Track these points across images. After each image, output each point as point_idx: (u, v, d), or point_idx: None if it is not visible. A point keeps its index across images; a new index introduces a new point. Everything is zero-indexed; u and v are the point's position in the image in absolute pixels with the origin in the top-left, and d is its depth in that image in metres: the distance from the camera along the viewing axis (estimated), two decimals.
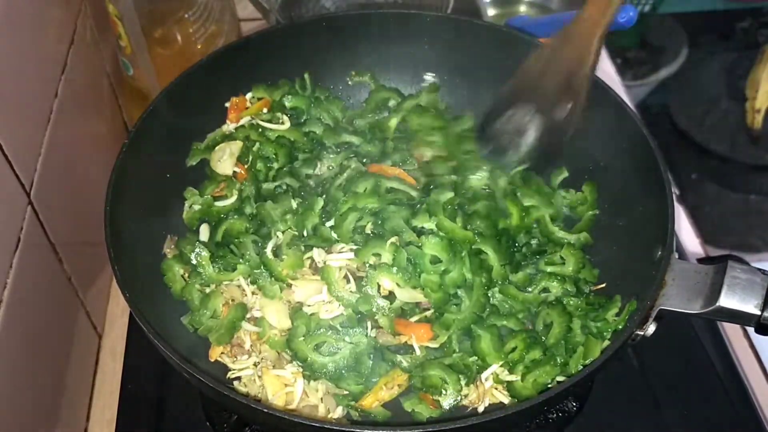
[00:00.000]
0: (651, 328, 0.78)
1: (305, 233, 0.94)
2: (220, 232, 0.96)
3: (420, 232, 0.90)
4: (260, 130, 1.03)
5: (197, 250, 0.92)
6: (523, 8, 1.53)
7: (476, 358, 0.86)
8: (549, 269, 0.93)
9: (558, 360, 0.85)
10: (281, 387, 0.85)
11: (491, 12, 1.50)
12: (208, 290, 0.92)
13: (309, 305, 0.89)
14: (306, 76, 1.09)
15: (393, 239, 0.89)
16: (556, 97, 0.90)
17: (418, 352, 0.88)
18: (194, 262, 0.92)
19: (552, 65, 0.92)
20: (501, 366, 0.86)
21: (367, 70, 1.13)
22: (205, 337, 0.90)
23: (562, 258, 0.94)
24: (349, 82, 1.13)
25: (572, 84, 0.89)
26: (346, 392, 0.86)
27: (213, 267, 0.92)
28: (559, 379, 0.84)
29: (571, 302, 0.90)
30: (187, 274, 0.93)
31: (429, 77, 1.12)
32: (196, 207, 0.99)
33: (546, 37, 1.25)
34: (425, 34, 1.08)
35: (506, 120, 0.92)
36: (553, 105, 0.90)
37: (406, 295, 0.88)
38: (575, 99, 0.89)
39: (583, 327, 0.87)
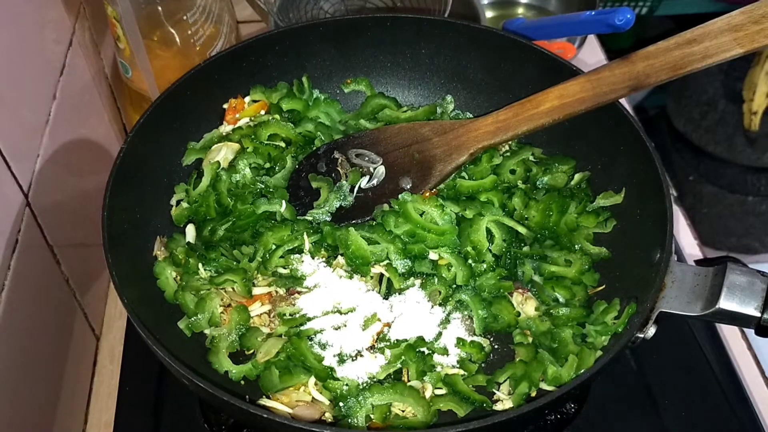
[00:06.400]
0: (651, 331, 0.78)
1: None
2: (207, 231, 0.96)
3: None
4: (252, 136, 1.03)
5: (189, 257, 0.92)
6: (520, 10, 1.53)
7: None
8: (552, 269, 0.93)
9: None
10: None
11: (489, 14, 1.50)
12: (202, 293, 0.90)
13: None
14: (304, 79, 1.09)
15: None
16: (408, 167, 0.98)
17: None
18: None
19: (427, 143, 0.99)
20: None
21: (364, 77, 1.12)
22: (204, 339, 0.90)
23: (566, 261, 0.94)
24: (345, 90, 1.13)
25: (430, 167, 0.97)
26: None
27: (205, 270, 0.92)
28: (549, 388, 0.84)
29: (561, 312, 0.90)
30: (179, 277, 0.92)
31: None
32: (185, 204, 0.99)
33: (543, 40, 1.26)
34: (423, 38, 1.09)
35: (355, 154, 1.01)
36: (401, 169, 0.99)
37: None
38: (422, 180, 0.98)
39: (575, 336, 0.87)
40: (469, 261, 0.94)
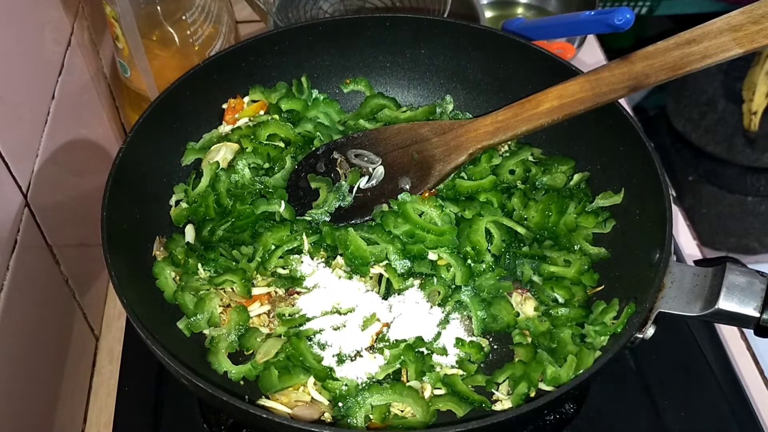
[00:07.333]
0: (650, 331, 0.78)
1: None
2: (206, 231, 0.96)
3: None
4: (252, 136, 1.03)
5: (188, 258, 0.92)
6: (520, 10, 1.53)
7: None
8: (552, 269, 0.93)
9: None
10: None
11: (488, 14, 1.50)
12: (201, 293, 0.90)
13: None
14: (303, 79, 1.09)
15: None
16: (408, 167, 0.99)
17: None
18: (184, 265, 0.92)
19: (426, 143, 1.00)
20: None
21: (363, 77, 1.12)
22: (203, 339, 0.89)
23: (566, 261, 0.94)
24: (344, 90, 1.13)
25: (430, 168, 0.98)
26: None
27: (204, 270, 0.92)
28: (548, 389, 0.84)
29: (560, 312, 0.90)
30: (178, 277, 0.92)
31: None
32: (184, 205, 0.99)
33: (542, 40, 1.26)
34: (422, 38, 1.09)
35: (354, 154, 1.01)
36: (400, 170, 0.99)
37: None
38: (421, 180, 0.98)
39: (574, 337, 0.87)
40: (469, 261, 0.94)
